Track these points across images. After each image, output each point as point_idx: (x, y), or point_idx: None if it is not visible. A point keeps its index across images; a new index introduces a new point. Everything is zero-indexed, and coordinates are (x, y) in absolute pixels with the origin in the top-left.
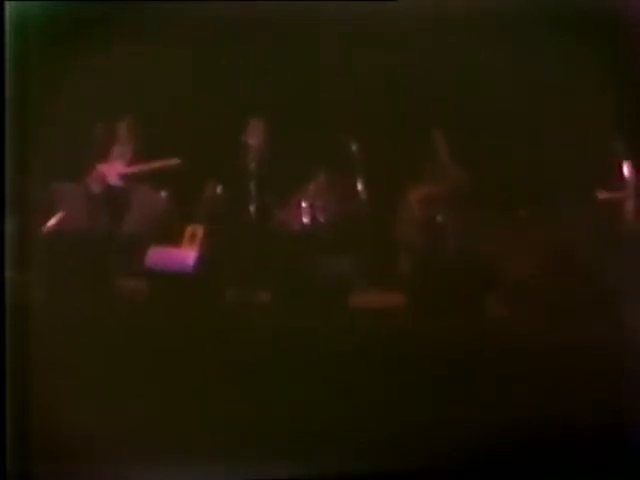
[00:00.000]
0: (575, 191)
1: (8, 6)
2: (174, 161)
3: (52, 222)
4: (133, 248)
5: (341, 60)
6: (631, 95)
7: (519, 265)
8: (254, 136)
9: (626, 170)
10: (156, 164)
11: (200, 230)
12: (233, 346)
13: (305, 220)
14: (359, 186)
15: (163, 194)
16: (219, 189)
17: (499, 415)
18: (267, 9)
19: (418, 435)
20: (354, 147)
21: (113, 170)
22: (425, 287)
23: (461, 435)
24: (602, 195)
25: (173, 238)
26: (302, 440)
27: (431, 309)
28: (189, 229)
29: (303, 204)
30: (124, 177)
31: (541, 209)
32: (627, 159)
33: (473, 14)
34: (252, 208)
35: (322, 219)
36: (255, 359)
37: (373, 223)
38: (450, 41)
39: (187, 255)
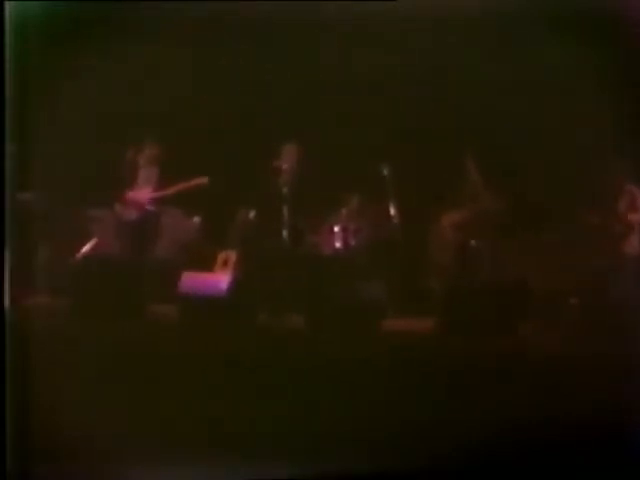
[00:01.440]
0: (604, 213)
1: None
2: (203, 180)
3: (86, 248)
4: (166, 273)
5: (372, 83)
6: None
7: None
8: (287, 161)
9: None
10: (186, 184)
11: (233, 255)
12: (263, 367)
13: (337, 244)
14: (391, 210)
15: (196, 220)
16: (251, 214)
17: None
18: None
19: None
20: (386, 172)
21: (143, 196)
22: (456, 311)
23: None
24: (633, 216)
25: (206, 263)
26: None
27: (460, 331)
28: (222, 254)
29: (335, 228)
30: (155, 201)
31: (571, 232)
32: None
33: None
34: (285, 232)
35: (354, 243)
36: (275, 375)
37: (406, 247)
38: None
39: (220, 280)
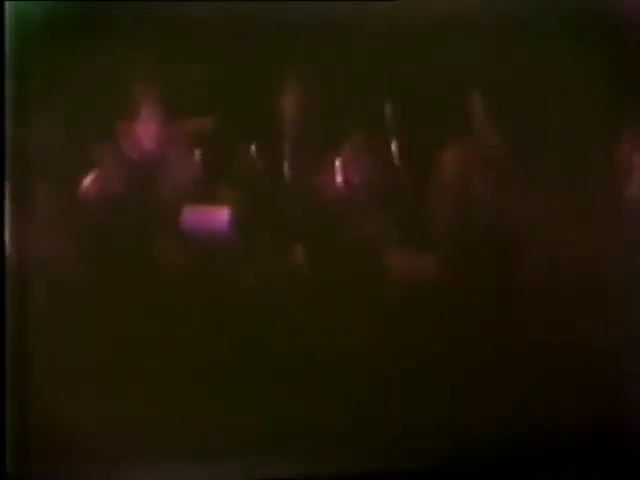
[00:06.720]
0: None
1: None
2: (207, 121)
3: (86, 182)
4: (167, 210)
5: (376, 24)
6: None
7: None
8: (289, 97)
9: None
10: (190, 124)
11: (233, 191)
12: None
13: (339, 181)
14: (394, 149)
15: (196, 154)
16: (252, 149)
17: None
18: None
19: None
20: (388, 109)
21: (147, 132)
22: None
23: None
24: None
25: (206, 199)
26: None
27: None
28: (222, 189)
29: (337, 163)
30: (158, 139)
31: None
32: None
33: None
34: (285, 169)
35: (356, 181)
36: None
37: (408, 186)
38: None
39: (221, 213)
